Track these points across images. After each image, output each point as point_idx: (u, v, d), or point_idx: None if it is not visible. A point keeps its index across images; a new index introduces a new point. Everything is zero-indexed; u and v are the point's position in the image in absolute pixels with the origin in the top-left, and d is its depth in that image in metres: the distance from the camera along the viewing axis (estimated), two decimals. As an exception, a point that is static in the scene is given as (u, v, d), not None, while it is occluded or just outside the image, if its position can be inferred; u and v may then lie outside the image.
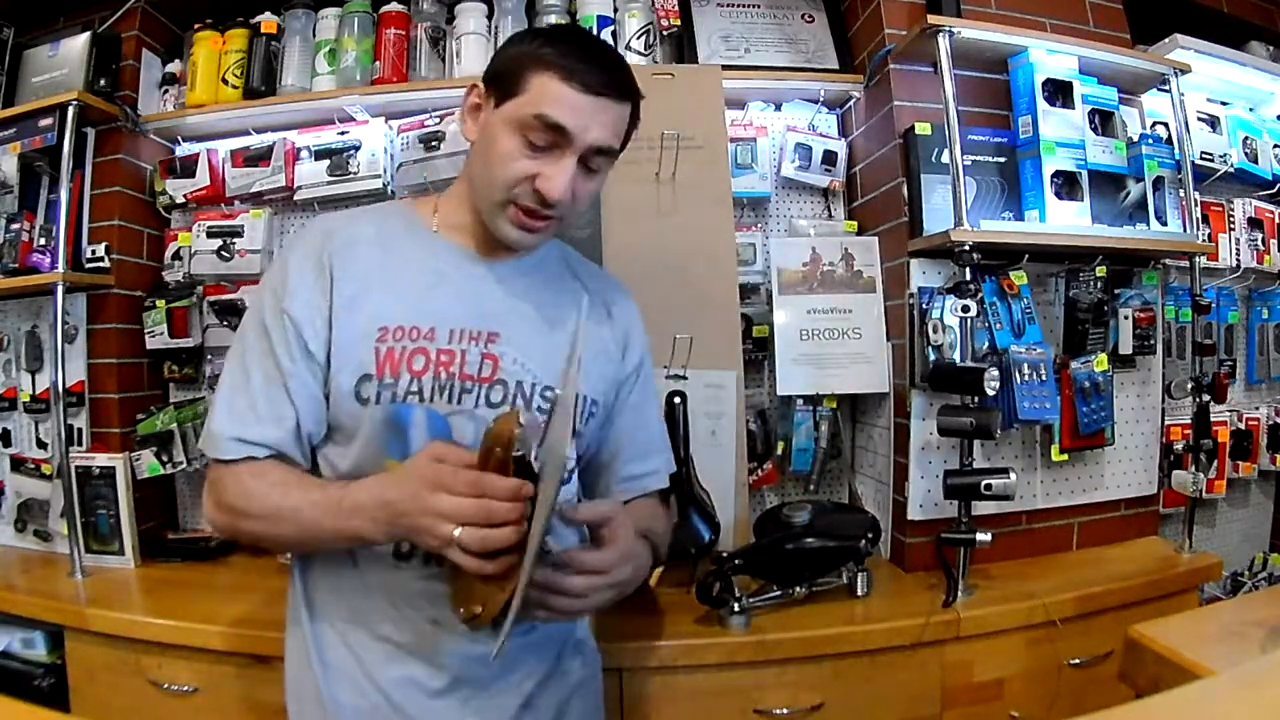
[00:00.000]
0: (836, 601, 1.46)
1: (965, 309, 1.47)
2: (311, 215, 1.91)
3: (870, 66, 1.77)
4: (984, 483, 1.43)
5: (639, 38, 1.83)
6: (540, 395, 0.90)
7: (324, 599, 0.92)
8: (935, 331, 1.56)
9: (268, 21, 1.87)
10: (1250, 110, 2.05)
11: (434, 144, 1.79)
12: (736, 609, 1.34)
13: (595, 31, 1.81)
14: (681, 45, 1.86)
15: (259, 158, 1.87)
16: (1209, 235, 1.91)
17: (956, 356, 1.54)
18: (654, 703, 1.31)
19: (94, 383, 1.82)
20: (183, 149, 1.95)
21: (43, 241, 1.78)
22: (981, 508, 1.50)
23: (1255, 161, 1.97)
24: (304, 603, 0.93)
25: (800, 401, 1.74)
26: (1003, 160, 1.69)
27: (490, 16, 1.85)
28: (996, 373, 1.43)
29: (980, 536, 1.42)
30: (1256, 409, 2.04)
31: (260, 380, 0.87)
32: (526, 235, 0.87)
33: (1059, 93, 1.67)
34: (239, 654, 1.36)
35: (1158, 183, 1.75)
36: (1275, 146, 2.03)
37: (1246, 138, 1.96)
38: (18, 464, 1.85)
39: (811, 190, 1.91)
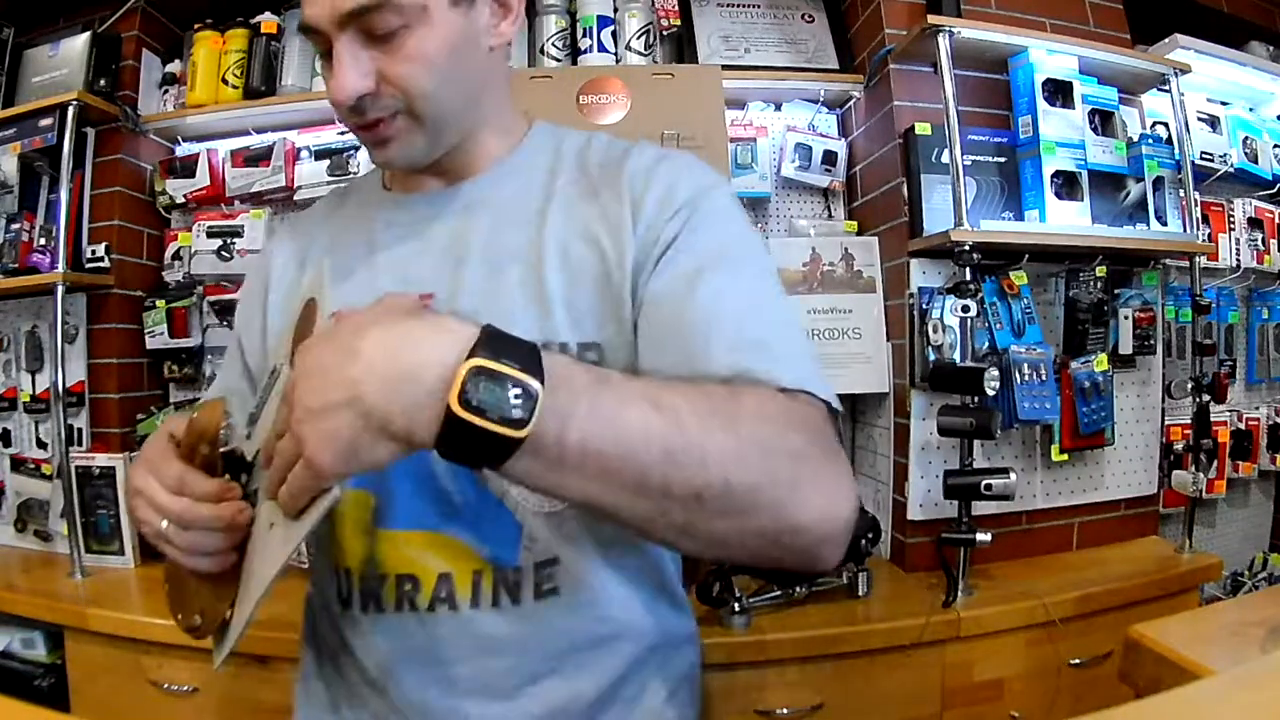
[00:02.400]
0: (836, 601, 1.45)
1: (965, 309, 1.47)
2: (311, 215, 1.91)
3: (870, 66, 1.77)
4: (984, 483, 1.43)
5: (639, 38, 1.83)
6: None
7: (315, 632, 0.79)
8: (935, 331, 1.56)
9: (268, 21, 1.87)
10: (1250, 110, 2.05)
11: (434, 144, 1.79)
12: (736, 609, 1.34)
13: (595, 31, 1.81)
14: (681, 45, 1.86)
15: (259, 158, 1.87)
16: (1209, 235, 1.91)
17: (956, 356, 1.54)
18: (654, 703, 1.31)
19: (94, 383, 1.82)
20: (183, 149, 1.95)
21: (43, 241, 1.78)
22: (981, 508, 1.50)
23: (1255, 161, 1.97)
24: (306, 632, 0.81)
25: (800, 401, 1.74)
26: (1003, 160, 1.69)
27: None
28: (996, 373, 1.43)
29: (980, 536, 1.42)
30: (1256, 409, 2.04)
31: (213, 390, 0.85)
32: (381, 150, 0.67)
33: (1059, 93, 1.67)
34: (239, 654, 1.35)
35: (1158, 183, 1.75)
36: (1275, 146, 2.03)
37: (1246, 138, 1.96)
38: (18, 464, 1.85)
39: (811, 190, 1.91)
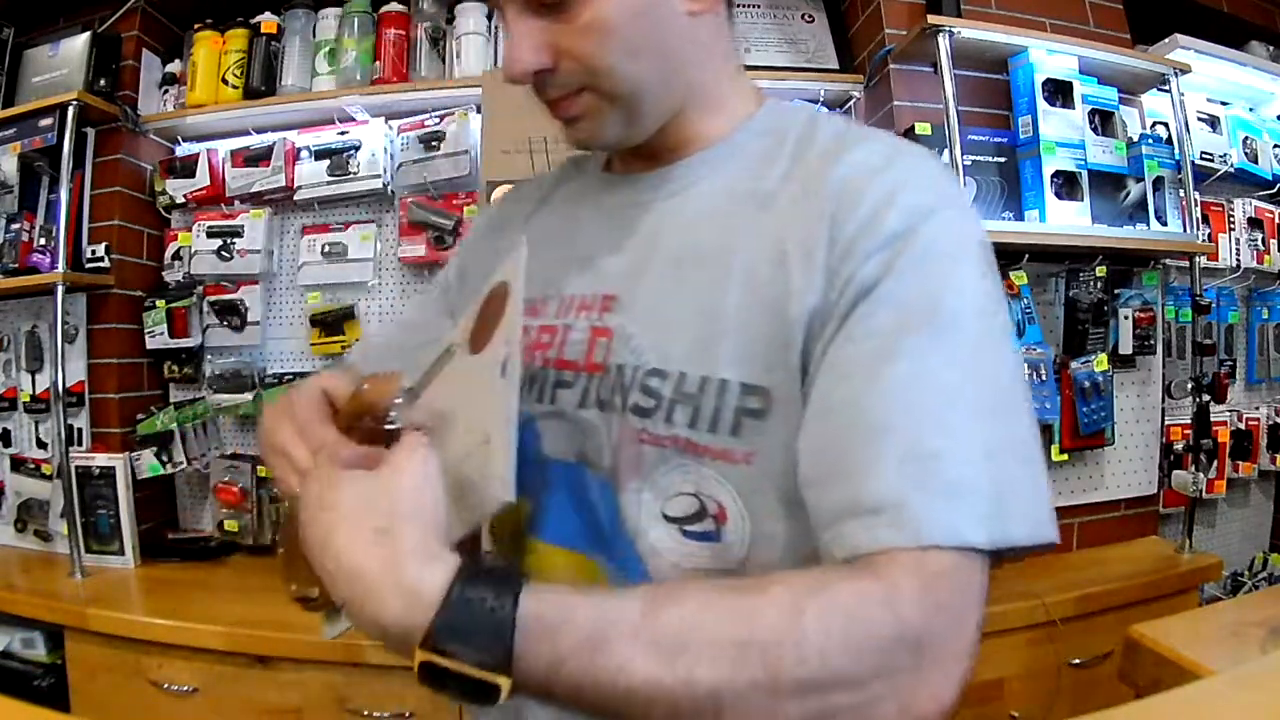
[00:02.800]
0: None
1: (965, 309, 1.47)
2: (311, 215, 1.91)
3: (870, 66, 1.77)
4: (984, 483, 1.43)
5: (639, 38, 1.83)
6: (641, 386, 0.56)
7: None
8: (935, 331, 1.56)
9: (268, 21, 1.87)
10: (1250, 110, 2.05)
11: (434, 144, 1.78)
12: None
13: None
14: (681, 45, 1.86)
15: (259, 158, 1.87)
16: (1209, 235, 1.91)
17: (956, 356, 1.54)
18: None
19: (94, 383, 1.82)
20: (183, 149, 1.95)
21: (43, 241, 1.78)
22: (981, 508, 1.50)
23: (1255, 161, 1.97)
24: None
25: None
26: (1003, 160, 1.69)
27: (490, 16, 1.84)
28: (996, 373, 1.43)
29: (980, 536, 1.42)
30: (1256, 409, 2.04)
31: (404, 321, 0.78)
32: (571, 130, 0.61)
33: (1059, 93, 1.67)
34: (239, 654, 1.36)
35: (1158, 183, 1.75)
36: (1275, 146, 2.03)
37: (1246, 138, 1.96)
38: (18, 464, 1.85)
39: (811, 190, 1.90)
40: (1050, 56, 1.66)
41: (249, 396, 1.83)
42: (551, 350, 0.62)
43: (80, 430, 1.81)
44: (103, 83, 1.80)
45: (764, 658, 0.40)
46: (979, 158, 1.67)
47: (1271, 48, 2.06)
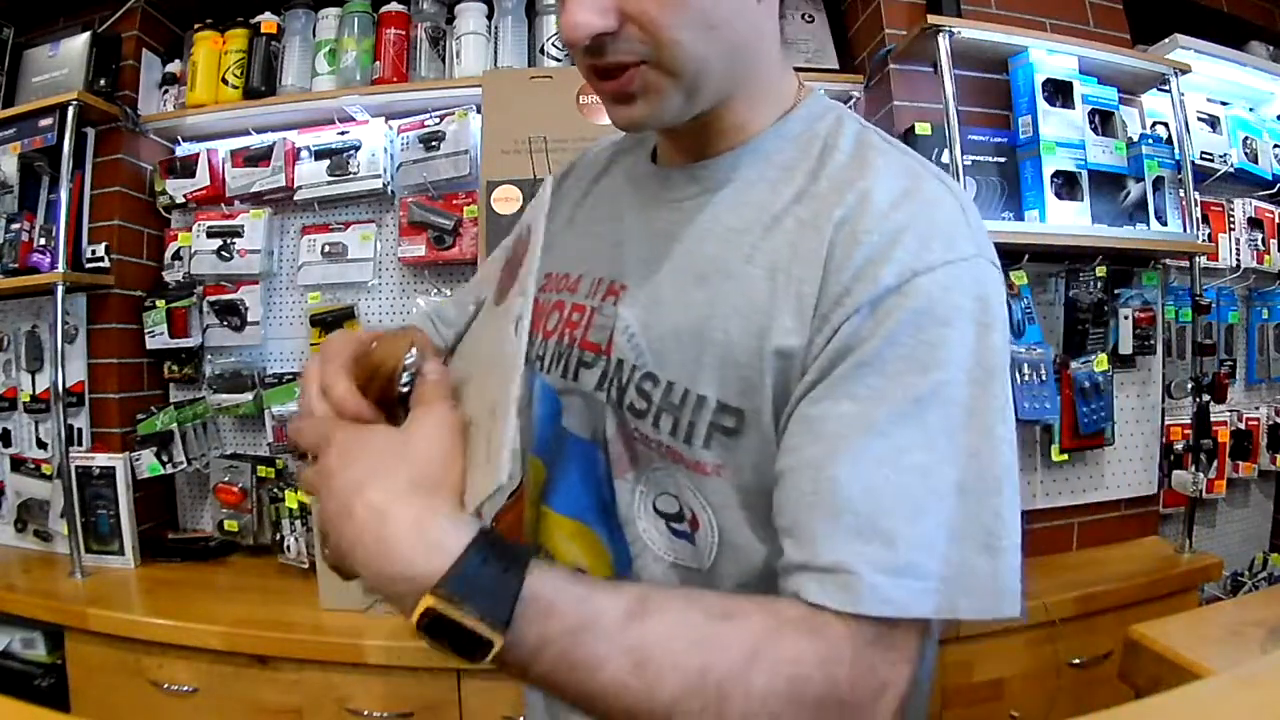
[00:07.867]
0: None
1: (965, 309, 1.47)
2: (311, 215, 1.91)
3: (870, 66, 1.77)
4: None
5: (639, 38, 1.83)
6: (636, 387, 0.58)
7: None
8: (935, 331, 1.56)
9: (268, 21, 1.87)
10: (1250, 110, 2.05)
11: (434, 144, 1.79)
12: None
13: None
14: (681, 45, 1.86)
15: (259, 158, 1.87)
16: (1209, 235, 1.91)
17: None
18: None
19: (94, 383, 1.82)
20: (183, 149, 1.95)
21: (43, 241, 1.78)
22: (981, 508, 1.50)
23: (1255, 161, 1.97)
24: None
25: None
26: (1003, 160, 1.69)
27: (490, 16, 1.85)
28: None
29: (980, 536, 1.42)
30: (1256, 409, 2.04)
31: (457, 296, 0.83)
32: (623, 109, 0.55)
33: (1059, 93, 1.67)
34: (239, 654, 1.36)
35: (1158, 183, 1.75)
36: (1275, 146, 2.03)
37: (1246, 138, 1.96)
38: (18, 464, 1.85)
39: (811, 190, 1.90)
40: (1050, 56, 1.66)
41: (249, 396, 1.83)
42: (578, 330, 0.63)
43: (80, 430, 1.81)
44: (103, 83, 1.80)
45: (719, 690, 0.43)
46: (979, 158, 1.67)
47: (1271, 48, 2.06)
